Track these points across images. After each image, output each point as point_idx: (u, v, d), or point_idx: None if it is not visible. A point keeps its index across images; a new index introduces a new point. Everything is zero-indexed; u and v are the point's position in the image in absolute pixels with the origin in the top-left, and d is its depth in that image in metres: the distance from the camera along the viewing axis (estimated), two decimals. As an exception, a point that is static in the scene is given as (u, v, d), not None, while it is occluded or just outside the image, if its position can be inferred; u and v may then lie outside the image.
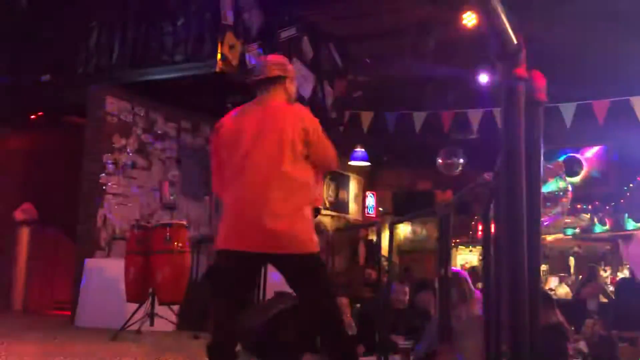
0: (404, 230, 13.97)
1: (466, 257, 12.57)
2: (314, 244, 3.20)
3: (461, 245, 12.42)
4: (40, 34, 7.87)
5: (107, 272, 6.65)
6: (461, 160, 10.59)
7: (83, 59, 7.50)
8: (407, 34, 8.26)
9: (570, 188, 7.75)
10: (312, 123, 3.27)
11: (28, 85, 7.83)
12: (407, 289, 5.88)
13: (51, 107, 8.08)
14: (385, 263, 5.74)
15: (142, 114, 7.65)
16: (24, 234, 8.13)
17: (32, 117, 8.31)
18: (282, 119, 3.25)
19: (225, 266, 3.25)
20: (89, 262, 6.84)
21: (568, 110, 8.34)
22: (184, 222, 6.22)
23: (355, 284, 12.02)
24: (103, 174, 7.23)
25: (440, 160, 10.73)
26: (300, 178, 3.20)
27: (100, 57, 7.42)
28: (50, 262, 8.27)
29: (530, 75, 1.37)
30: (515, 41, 1.36)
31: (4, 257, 8.09)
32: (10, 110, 8.16)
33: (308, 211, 3.23)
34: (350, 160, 11.56)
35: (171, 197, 7.78)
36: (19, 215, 8.15)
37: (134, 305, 5.76)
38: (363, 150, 11.23)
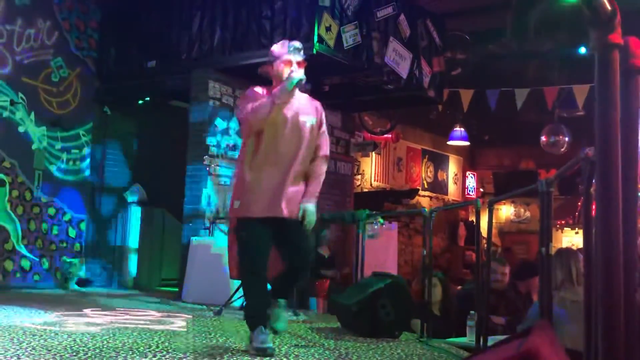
0: (507, 211, 13.67)
1: (572, 239, 12.16)
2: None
3: (566, 227, 12.03)
4: (146, 21, 8.19)
5: (211, 250, 6.90)
6: (567, 138, 10.21)
7: (186, 45, 7.75)
8: (509, 8, 8.01)
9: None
10: None
11: (136, 71, 8.18)
12: (507, 270, 5.78)
13: (157, 91, 8.41)
14: (484, 244, 5.63)
15: (242, 97, 7.83)
16: (134, 213, 8.53)
17: (140, 102, 8.67)
18: None
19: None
20: (195, 241, 7.11)
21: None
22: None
23: (455, 265, 11.91)
24: (206, 156, 7.47)
25: (544, 139, 10.38)
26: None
27: (202, 43, 7.64)
28: (158, 241, 8.64)
29: (627, 41, 1.31)
30: (609, 7, 1.30)
31: (117, 236, 8.52)
32: (119, 95, 8.56)
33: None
34: (449, 140, 11.40)
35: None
36: (129, 195, 8.54)
37: (238, 282, 5.94)
38: (462, 129, 11.04)
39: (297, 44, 3.97)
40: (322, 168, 4.00)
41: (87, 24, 8.38)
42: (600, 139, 1.33)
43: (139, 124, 8.87)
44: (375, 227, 6.84)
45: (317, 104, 4.02)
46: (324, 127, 4.02)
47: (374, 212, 6.75)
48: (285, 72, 3.81)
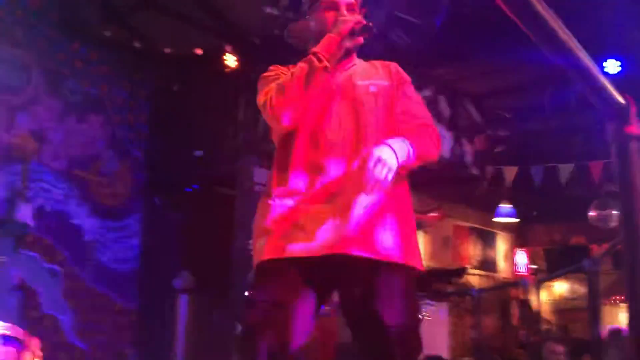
0: (560, 288, 13.30)
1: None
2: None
3: (622, 303, 11.61)
4: (193, 112, 8.49)
5: (258, 336, 6.87)
6: (615, 212, 10.00)
7: (231, 134, 7.99)
8: (548, 85, 8.08)
9: None
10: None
11: (183, 161, 8.42)
12: (562, 349, 5.63)
13: (205, 180, 8.61)
14: (537, 322, 5.52)
15: (287, 182, 7.95)
16: (182, 302, 8.59)
17: (188, 190, 8.88)
18: None
19: None
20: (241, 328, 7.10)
21: None
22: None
23: (509, 346, 11.55)
24: (251, 241, 7.53)
25: (592, 213, 10.20)
26: None
27: (247, 131, 7.87)
28: (207, 329, 8.64)
29: (644, 132, 1.34)
30: (622, 100, 1.34)
31: (163, 325, 8.57)
32: (168, 185, 8.79)
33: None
34: (495, 217, 11.29)
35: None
36: (178, 283, 8.63)
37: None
38: (509, 206, 10.93)
39: None
40: (423, 139, 2.35)
41: (137, 117, 8.72)
42: (625, 226, 1.35)
43: (187, 212, 9.04)
44: (423, 307, 6.76)
45: (392, 64, 2.54)
46: (413, 93, 2.50)
47: (419, 293, 6.67)
48: (330, 22, 2.38)
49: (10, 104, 7.31)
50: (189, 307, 8.57)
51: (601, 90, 1.28)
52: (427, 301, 6.34)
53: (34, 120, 7.53)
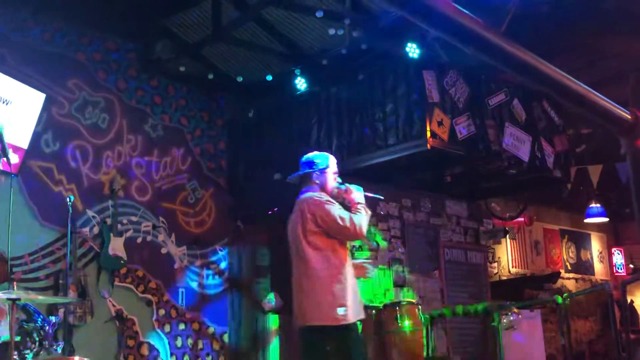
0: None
1: None
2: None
3: None
4: (269, 137, 8.67)
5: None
6: None
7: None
8: (629, 78, 7.81)
9: None
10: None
11: (263, 185, 8.60)
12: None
13: (284, 201, 8.73)
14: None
15: (364, 199, 7.99)
16: (273, 321, 8.73)
17: (269, 212, 9.04)
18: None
19: None
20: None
21: None
22: (414, 300, 6.33)
23: (613, 350, 11.09)
24: (335, 260, 7.60)
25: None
26: None
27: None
28: (295, 349, 8.74)
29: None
30: (629, 117, 1.33)
31: (257, 345, 8.72)
32: (250, 209, 8.98)
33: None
34: (586, 218, 10.93)
35: (400, 275, 7.97)
36: (266, 305, 8.78)
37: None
38: (599, 205, 10.57)
39: None
40: None
41: (217, 146, 8.99)
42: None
43: (270, 234, 9.21)
44: (511, 317, 6.61)
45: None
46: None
47: (508, 301, 6.54)
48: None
49: (97, 144, 7.70)
50: (279, 325, 8.71)
51: (614, 115, 1.27)
52: (513, 310, 6.19)
53: (119, 158, 7.90)
